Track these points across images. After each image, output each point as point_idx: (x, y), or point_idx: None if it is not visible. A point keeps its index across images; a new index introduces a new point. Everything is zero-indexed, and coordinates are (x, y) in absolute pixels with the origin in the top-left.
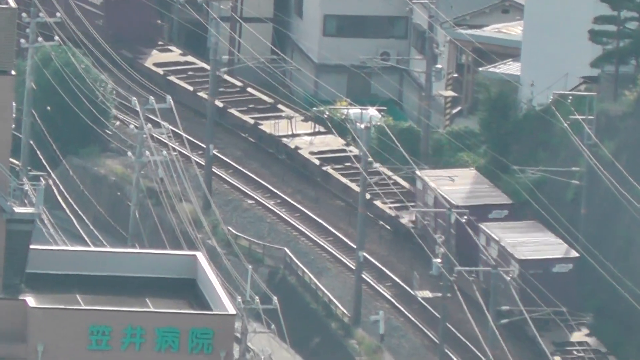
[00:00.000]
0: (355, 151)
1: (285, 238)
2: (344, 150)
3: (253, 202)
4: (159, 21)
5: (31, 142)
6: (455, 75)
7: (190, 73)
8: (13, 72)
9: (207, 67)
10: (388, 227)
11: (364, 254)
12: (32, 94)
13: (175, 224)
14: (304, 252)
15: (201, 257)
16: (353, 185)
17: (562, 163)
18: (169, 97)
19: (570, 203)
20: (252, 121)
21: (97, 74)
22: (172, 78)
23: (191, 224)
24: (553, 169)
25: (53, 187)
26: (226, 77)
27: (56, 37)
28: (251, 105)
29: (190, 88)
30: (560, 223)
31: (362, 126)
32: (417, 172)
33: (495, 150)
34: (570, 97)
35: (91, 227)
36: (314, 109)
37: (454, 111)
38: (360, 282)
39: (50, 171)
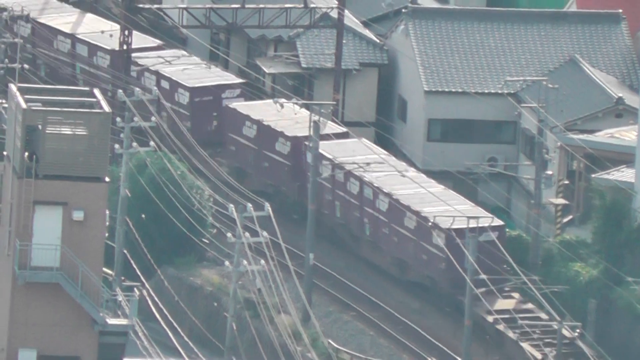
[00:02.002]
0: None
1: (388, 352)
2: None
3: (354, 314)
4: (506, 266)
5: (125, 251)
6: (566, 182)
7: (523, 322)
8: (107, 179)
9: (543, 316)
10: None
11: None
12: (126, 201)
13: (274, 336)
14: None
15: None
16: None
17: None
18: (267, 205)
19: None
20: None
21: (193, 181)
22: (500, 327)
23: (290, 337)
24: None
25: (147, 298)
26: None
27: (151, 143)
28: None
29: (514, 337)
30: None
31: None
32: None
33: (608, 261)
34: None
35: (186, 339)
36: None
37: (565, 220)
38: None
39: (145, 281)
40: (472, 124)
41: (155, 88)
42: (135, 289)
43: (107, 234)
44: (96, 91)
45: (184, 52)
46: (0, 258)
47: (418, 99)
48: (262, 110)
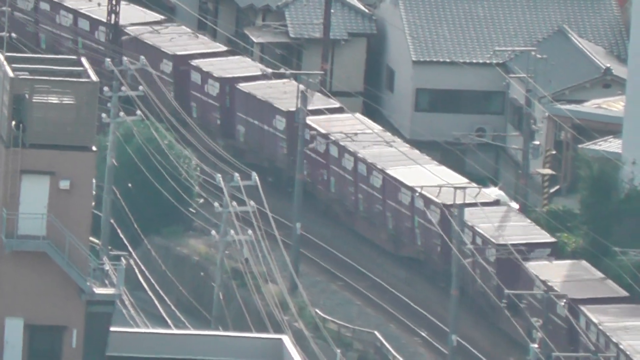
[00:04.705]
0: None
1: (375, 321)
2: None
3: (342, 283)
4: None
5: (112, 220)
6: (554, 152)
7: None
8: (94, 148)
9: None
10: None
11: (457, 338)
12: (113, 170)
13: (261, 306)
14: (395, 336)
15: (287, 340)
16: None
17: None
18: (254, 174)
19: None
20: None
21: (180, 150)
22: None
23: (277, 306)
24: None
25: (134, 267)
26: None
27: (138, 112)
28: None
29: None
30: None
31: None
32: None
33: (595, 231)
34: None
35: (173, 308)
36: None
37: (552, 190)
38: None
39: (132, 251)
40: (460, 94)
41: (143, 58)
42: (122, 258)
43: (94, 203)
44: (84, 60)
45: None
46: None
47: (406, 69)
48: (544, 268)
